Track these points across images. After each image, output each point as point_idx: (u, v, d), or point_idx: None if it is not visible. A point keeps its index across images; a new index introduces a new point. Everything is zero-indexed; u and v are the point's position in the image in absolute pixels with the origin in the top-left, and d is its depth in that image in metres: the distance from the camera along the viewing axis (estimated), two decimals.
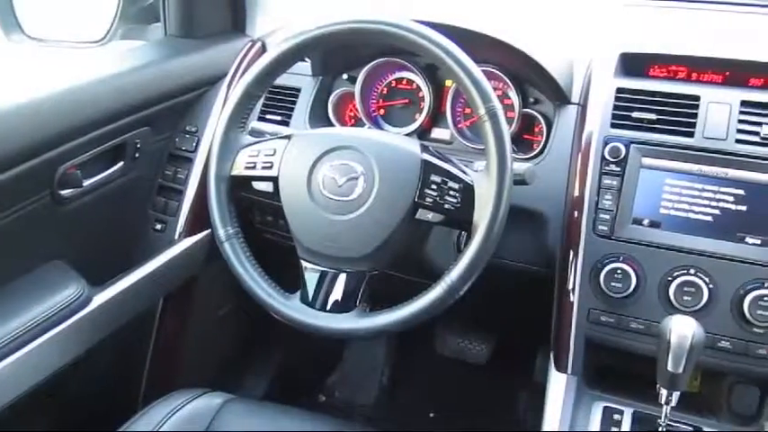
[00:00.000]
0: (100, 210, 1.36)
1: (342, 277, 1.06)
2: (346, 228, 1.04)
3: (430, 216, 1.03)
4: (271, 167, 1.10)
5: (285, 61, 1.12)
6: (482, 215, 0.99)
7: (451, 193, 1.02)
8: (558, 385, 1.17)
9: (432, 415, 1.92)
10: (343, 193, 1.05)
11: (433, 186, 1.02)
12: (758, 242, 1.06)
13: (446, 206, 1.02)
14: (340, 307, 1.07)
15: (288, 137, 1.12)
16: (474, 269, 0.99)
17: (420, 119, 1.38)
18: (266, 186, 1.11)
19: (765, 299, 1.04)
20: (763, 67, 1.18)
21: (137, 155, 1.40)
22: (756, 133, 1.09)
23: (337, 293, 1.07)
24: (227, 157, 1.13)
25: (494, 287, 1.34)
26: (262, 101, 1.43)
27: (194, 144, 1.48)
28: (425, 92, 1.37)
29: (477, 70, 1.01)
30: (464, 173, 1.03)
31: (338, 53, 1.38)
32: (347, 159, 1.06)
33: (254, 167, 1.12)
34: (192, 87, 1.50)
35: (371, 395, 2.00)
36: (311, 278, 1.08)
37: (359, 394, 2.00)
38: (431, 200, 1.02)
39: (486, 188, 0.99)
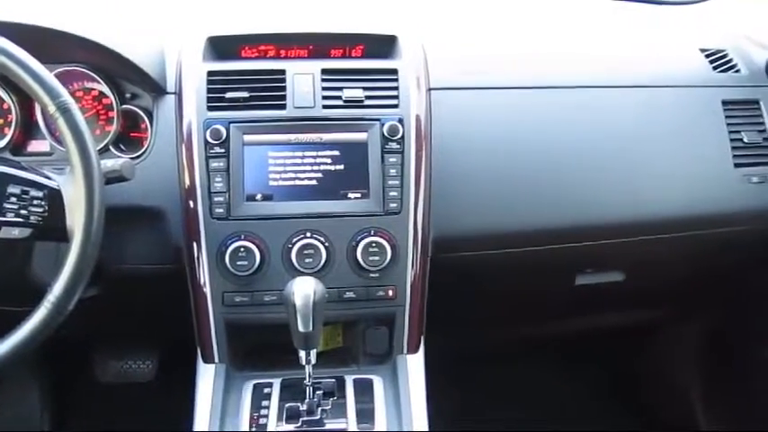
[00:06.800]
0: None
1: None
2: None
3: (16, 232, 0.93)
4: None
5: None
6: (75, 219, 0.92)
7: (36, 202, 0.93)
8: (207, 376, 1.16)
9: None
10: None
11: (13, 199, 0.92)
12: (358, 195, 1.16)
13: (32, 218, 0.93)
14: None
15: None
16: (79, 279, 0.92)
17: (9, 133, 1.23)
18: None
19: (374, 245, 1.14)
20: (341, 38, 1.28)
21: None
22: (338, 97, 1.18)
23: None
24: None
25: (131, 296, 1.27)
26: None
27: None
28: (9, 102, 1.23)
29: (38, 66, 0.92)
30: (48, 178, 0.95)
31: None
32: None
33: None
34: None
35: None
36: None
37: None
38: (13, 214, 0.92)
39: (74, 189, 0.92)
